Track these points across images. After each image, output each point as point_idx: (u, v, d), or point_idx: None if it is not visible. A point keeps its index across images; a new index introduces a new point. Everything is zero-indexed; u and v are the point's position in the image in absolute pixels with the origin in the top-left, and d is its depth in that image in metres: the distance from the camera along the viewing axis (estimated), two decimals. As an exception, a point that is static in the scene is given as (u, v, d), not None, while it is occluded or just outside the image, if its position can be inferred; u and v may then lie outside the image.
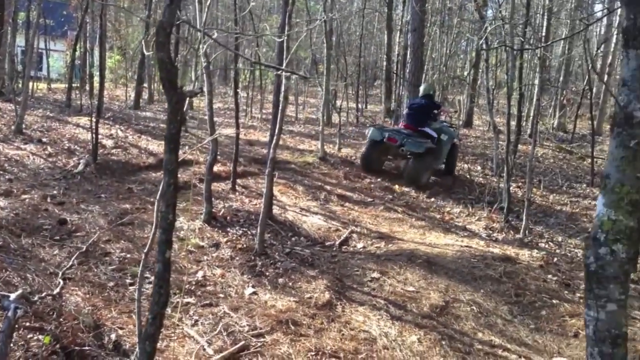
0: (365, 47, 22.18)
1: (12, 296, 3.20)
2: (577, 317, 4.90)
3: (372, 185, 9.61)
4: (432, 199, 9.19)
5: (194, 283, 4.87)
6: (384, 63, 19.07)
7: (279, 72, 5.58)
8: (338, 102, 16.64)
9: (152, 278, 4.55)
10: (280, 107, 5.57)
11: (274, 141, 5.75)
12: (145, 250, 2.60)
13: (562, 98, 18.35)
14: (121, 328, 3.88)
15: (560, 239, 7.53)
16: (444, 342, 4.28)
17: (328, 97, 13.32)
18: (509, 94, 8.40)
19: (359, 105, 18.95)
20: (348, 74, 18.11)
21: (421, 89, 11.21)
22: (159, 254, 2.09)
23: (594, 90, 14.37)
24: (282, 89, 5.52)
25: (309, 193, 8.48)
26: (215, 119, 8.04)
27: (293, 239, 6.51)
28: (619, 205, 2.08)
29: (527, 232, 7.37)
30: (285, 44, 5.38)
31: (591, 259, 2.13)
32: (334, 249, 6.38)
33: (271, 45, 19.79)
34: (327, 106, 15.12)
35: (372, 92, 25.75)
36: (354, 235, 6.88)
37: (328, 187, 8.97)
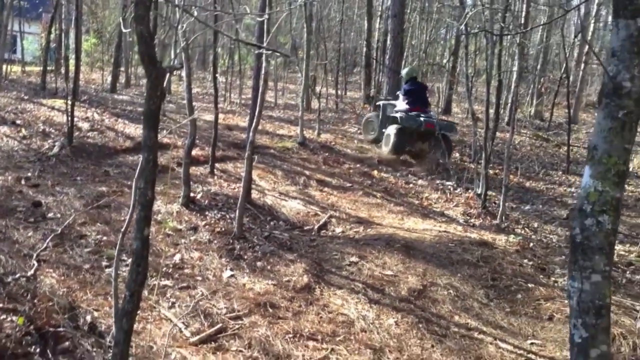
0: (345, 33, 22.11)
1: (-15, 277, 3.14)
2: (551, 300, 4.98)
3: (351, 171, 9.62)
4: (411, 185, 9.24)
5: (171, 266, 4.84)
6: (364, 49, 19.01)
7: (259, 52, 5.52)
8: (317, 88, 16.58)
9: (129, 261, 4.52)
10: (260, 90, 5.52)
11: (253, 124, 5.71)
12: (122, 229, 2.56)
13: (539, 86, 18.53)
14: (97, 310, 3.84)
15: (536, 224, 7.62)
16: (420, 325, 4.32)
17: (308, 82, 13.27)
18: (488, 81, 8.44)
19: (339, 92, 18.90)
20: (328, 59, 18.03)
21: (405, 73, 11.30)
22: (137, 231, 2.05)
23: (571, 78, 14.52)
24: (263, 71, 5.47)
25: (288, 178, 8.45)
26: (194, 103, 7.90)
27: (272, 223, 6.49)
28: (606, 176, 2.07)
29: (503, 217, 7.45)
30: (265, 26, 5.33)
31: (577, 230, 2.13)
32: (313, 233, 6.38)
33: (251, 30, 19.60)
34: (307, 92, 15.04)
35: (352, 79, 25.66)
36: (333, 219, 6.88)
37: (307, 172, 8.95)
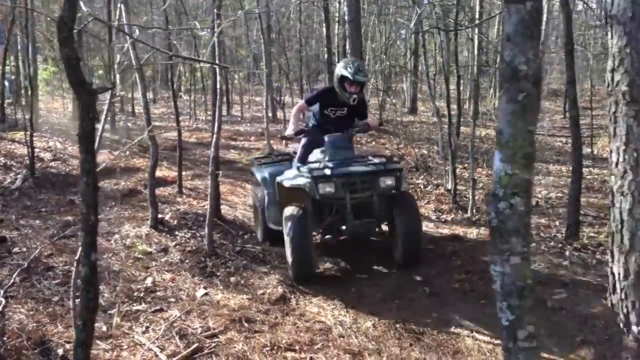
0: (306, 41, 22.16)
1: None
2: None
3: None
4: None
5: (143, 290, 4.76)
6: (325, 56, 19.09)
7: (198, 65, 5.50)
8: (283, 98, 16.60)
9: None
10: (217, 105, 5.50)
11: (214, 140, 5.68)
12: (76, 258, 2.51)
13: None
14: (68, 342, 3.75)
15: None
16: (398, 325, 4.32)
17: (271, 93, 13.27)
18: (447, 77, 8.53)
19: (304, 100, 18.91)
20: (290, 69, 18.06)
21: None
22: (84, 258, 2.01)
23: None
24: (218, 86, 5.45)
25: (257, 190, 8.40)
26: (159, 123, 7.83)
27: (244, 236, 6.44)
28: (514, 159, 2.10)
29: (474, 211, 7.51)
30: (216, 40, 5.32)
31: (492, 214, 2.16)
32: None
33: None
34: (272, 103, 15.04)
35: (317, 86, 25.74)
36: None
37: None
